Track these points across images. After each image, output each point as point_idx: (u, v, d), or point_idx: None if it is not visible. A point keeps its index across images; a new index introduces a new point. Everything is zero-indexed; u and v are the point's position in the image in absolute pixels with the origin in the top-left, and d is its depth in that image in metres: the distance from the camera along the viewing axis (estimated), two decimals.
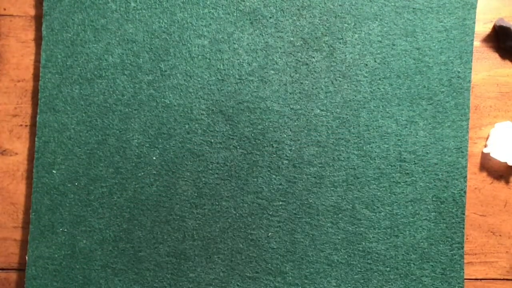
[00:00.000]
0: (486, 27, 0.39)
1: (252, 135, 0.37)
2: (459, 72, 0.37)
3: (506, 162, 0.37)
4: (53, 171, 0.37)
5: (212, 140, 0.38)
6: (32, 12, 0.39)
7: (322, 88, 0.38)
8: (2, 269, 0.38)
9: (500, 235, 0.38)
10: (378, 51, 0.38)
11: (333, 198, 0.36)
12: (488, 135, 0.38)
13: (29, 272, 0.36)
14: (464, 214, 0.37)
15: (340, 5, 0.38)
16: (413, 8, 0.38)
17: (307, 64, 0.38)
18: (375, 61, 0.38)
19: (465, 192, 0.37)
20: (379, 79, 0.37)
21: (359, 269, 0.36)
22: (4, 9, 0.39)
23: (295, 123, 0.37)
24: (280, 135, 0.37)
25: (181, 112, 0.38)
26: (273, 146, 0.37)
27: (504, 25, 0.37)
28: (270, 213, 0.37)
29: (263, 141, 0.37)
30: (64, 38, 0.38)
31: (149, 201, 0.37)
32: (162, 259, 0.37)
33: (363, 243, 0.36)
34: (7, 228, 0.38)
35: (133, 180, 0.37)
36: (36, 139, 0.38)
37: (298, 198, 0.37)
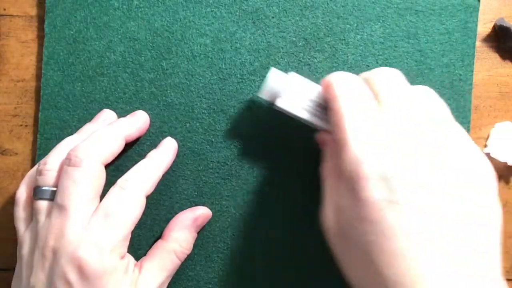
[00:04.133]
0: (486, 27, 0.39)
1: (253, 135, 0.37)
2: (460, 74, 0.38)
3: (506, 162, 0.38)
4: None
5: (213, 139, 0.38)
6: (32, 12, 0.39)
7: None
8: (2, 269, 0.38)
9: None
10: (380, 53, 0.38)
11: None
12: (488, 135, 0.38)
13: None
14: None
15: (342, 6, 0.38)
16: (416, 10, 0.38)
17: (309, 64, 0.38)
18: (377, 63, 0.38)
19: None
20: None
21: None
22: (4, 9, 0.39)
23: None
24: None
25: (182, 110, 0.38)
26: (274, 146, 0.37)
27: (504, 25, 0.38)
28: (271, 212, 0.37)
29: (264, 141, 0.38)
30: (66, 35, 0.38)
31: (149, 200, 0.37)
32: None
33: None
34: (7, 228, 0.38)
35: None
36: (38, 136, 0.37)
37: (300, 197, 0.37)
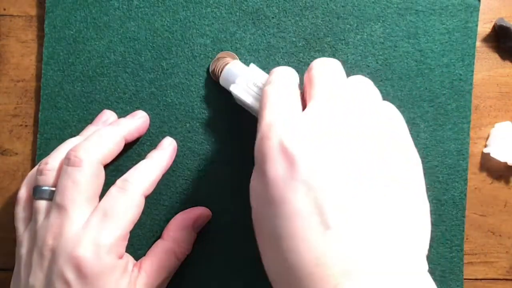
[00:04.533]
0: (486, 27, 0.39)
1: (254, 134, 0.37)
2: (460, 74, 0.38)
3: (506, 162, 0.38)
4: None
5: (213, 139, 0.38)
6: (32, 12, 0.39)
7: None
8: (2, 269, 0.38)
9: (500, 235, 0.38)
10: (380, 53, 0.38)
11: None
12: (488, 135, 0.38)
13: None
14: (464, 216, 0.37)
15: (342, 6, 0.38)
16: (416, 10, 0.38)
17: (308, 64, 0.38)
18: (377, 63, 0.38)
19: (465, 194, 0.37)
20: (381, 80, 0.38)
21: None
22: (4, 9, 0.39)
23: None
24: None
25: (182, 110, 0.38)
26: None
27: (504, 25, 0.37)
28: None
29: None
30: (66, 35, 0.38)
31: (149, 200, 0.37)
32: None
33: None
34: (7, 228, 0.38)
35: None
36: (38, 136, 0.37)
37: None
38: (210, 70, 0.37)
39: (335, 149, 0.24)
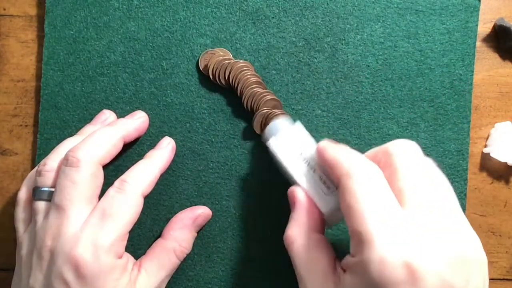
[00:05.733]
0: (486, 27, 0.39)
1: (254, 135, 0.37)
2: (460, 74, 0.38)
3: (506, 162, 0.38)
4: None
5: (213, 139, 0.38)
6: (32, 12, 0.39)
7: (324, 88, 0.38)
8: (2, 269, 0.38)
9: (500, 235, 0.38)
10: (380, 53, 0.38)
11: None
12: (488, 135, 0.38)
13: None
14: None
15: (342, 6, 0.38)
16: (416, 10, 0.38)
17: (308, 64, 0.38)
18: (377, 63, 0.38)
19: (465, 194, 0.37)
20: (381, 80, 0.38)
21: None
22: (4, 9, 0.39)
23: None
24: None
25: (182, 110, 0.38)
26: None
27: (504, 25, 0.38)
28: (271, 212, 0.37)
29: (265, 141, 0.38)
30: (66, 35, 0.38)
31: (149, 200, 0.37)
32: None
33: None
34: (7, 228, 0.38)
35: None
36: (38, 136, 0.37)
37: None
38: (200, 66, 0.37)
39: (450, 264, 0.24)
